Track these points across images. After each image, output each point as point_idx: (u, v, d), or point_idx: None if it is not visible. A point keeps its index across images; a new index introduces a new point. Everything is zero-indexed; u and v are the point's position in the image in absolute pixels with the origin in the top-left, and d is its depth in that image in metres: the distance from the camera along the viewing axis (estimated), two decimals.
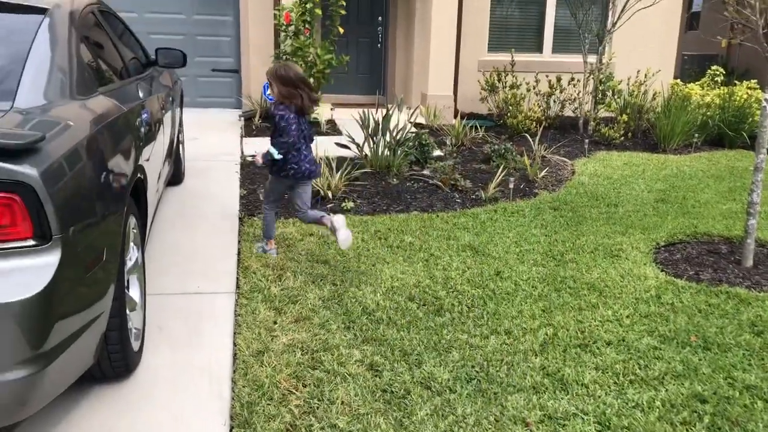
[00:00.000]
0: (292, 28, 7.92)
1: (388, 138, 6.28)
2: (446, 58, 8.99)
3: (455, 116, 8.97)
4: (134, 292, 3.10)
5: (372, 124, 6.35)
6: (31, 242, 1.96)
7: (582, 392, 2.86)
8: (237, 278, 3.91)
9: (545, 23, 9.98)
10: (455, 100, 9.23)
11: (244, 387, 2.82)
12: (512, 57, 9.17)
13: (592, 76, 8.58)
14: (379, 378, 2.92)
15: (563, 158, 7.24)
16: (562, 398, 2.81)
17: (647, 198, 5.80)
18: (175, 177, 5.57)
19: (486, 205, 5.50)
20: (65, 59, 2.67)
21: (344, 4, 8.12)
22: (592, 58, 8.66)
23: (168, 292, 3.72)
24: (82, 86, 2.72)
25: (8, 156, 1.92)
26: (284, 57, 8.16)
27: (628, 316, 3.57)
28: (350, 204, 5.32)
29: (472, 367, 3.03)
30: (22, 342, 1.92)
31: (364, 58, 10.31)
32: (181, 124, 6.00)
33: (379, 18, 10.14)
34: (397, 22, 10.03)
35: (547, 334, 3.34)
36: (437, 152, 7.07)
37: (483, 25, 9.77)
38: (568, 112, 9.49)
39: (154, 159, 3.63)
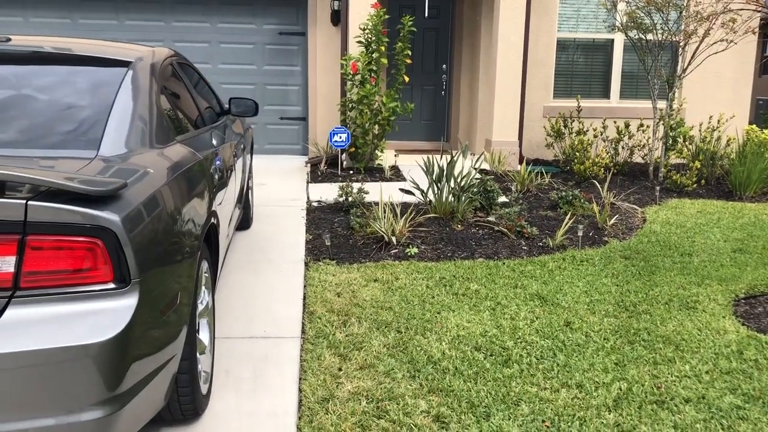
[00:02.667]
0: (358, 77, 8.09)
1: (452, 184, 6.28)
2: (511, 104, 8.98)
3: (520, 162, 8.90)
4: (204, 335, 3.14)
5: (436, 170, 6.37)
6: (111, 285, 2.01)
7: None
8: (302, 323, 3.93)
9: (612, 69, 9.88)
10: (520, 146, 9.18)
11: None
12: (578, 103, 9.09)
13: (662, 122, 8.41)
14: (446, 431, 2.85)
15: (633, 205, 7.06)
16: None
17: (724, 247, 5.57)
18: (244, 222, 5.69)
19: (554, 252, 5.39)
20: (146, 110, 2.79)
21: (410, 53, 8.26)
22: (661, 104, 8.50)
23: (235, 335, 3.76)
24: (161, 135, 2.83)
25: (92, 202, 2.00)
26: (350, 105, 8.33)
27: (707, 372, 3.40)
28: (414, 250, 5.30)
29: (543, 421, 2.93)
30: (100, 383, 1.96)
31: (428, 105, 10.41)
32: (250, 171, 6.15)
33: (444, 66, 10.26)
34: (461, 70, 10.12)
35: (620, 389, 3.21)
36: (502, 198, 7.02)
37: (548, 71, 9.76)
38: (637, 158, 9.31)
39: (225, 204, 3.72)
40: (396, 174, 8.33)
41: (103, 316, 1.98)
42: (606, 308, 4.23)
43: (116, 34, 9.08)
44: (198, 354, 2.96)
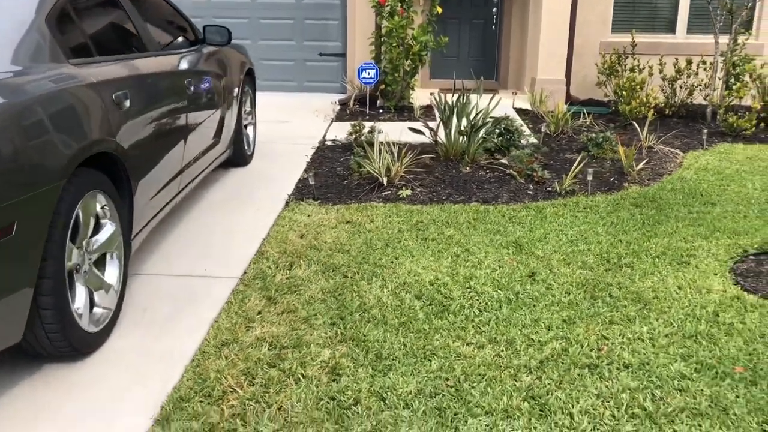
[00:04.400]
0: (387, 8, 7.66)
1: (464, 123, 5.85)
2: (558, 38, 8.30)
3: (567, 102, 8.27)
4: (111, 271, 3.01)
5: (448, 108, 5.94)
6: None
7: (564, 423, 2.37)
8: (249, 263, 3.75)
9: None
10: (568, 85, 8.51)
11: (188, 380, 2.63)
12: (633, 38, 8.26)
13: (723, 58, 7.52)
14: (335, 383, 2.60)
15: (675, 150, 6.39)
16: (534, 428, 2.34)
17: (758, 198, 4.91)
18: (239, 159, 5.52)
19: (559, 198, 4.93)
20: (19, 30, 2.61)
21: None
22: (725, 39, 7.59)
23: (172, 273, 3.63)
24: (37, 56, 2.65)
25: None
26: (381, 39, 7.93)
27: (666, 335, 2.96)
28: (407, 192, 4.98)
29: (446, 380, 2.63)
30: None
31: (477, 41, 9.82)
32: (252, 106, 5.95)
33: None
34: (512, 2, 9.44)
35: (554, 349, 2.84)
36: (532, 140, 6.52)
37: (606, 3, 8.92)
38: (699, 99, 8.43)
39: (158, 137, 3.53)
40: (427, 113, 7.91)
41: None
42: (585, 259, 3.80)
43: None
44: (93, 290, 2.84)
